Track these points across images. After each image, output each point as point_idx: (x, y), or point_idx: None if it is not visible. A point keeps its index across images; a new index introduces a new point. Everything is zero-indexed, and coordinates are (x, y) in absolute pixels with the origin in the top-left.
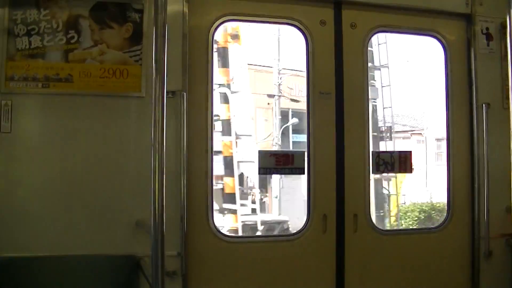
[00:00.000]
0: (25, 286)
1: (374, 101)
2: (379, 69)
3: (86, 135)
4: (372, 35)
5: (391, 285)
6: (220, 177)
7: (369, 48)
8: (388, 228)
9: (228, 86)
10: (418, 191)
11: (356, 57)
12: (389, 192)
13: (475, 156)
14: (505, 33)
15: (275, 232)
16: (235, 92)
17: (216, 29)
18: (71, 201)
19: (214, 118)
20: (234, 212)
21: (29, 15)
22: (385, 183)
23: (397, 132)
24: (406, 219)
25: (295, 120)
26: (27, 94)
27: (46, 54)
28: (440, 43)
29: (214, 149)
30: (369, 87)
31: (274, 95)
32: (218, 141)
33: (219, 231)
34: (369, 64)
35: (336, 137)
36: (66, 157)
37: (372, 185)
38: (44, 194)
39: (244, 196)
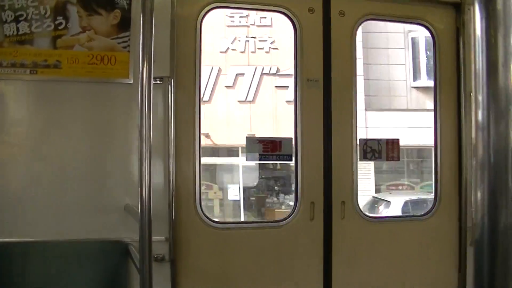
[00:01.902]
0: (15, 271)
1: None
2: None
3: (75, 121)
4: (361, 23)
5: (379, 272)
6: None
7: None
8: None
9: None
10: None
11: (344, 45)
12: None
13: (463, 145)
14: None
15: None
16: None
17: (204, 16)
18: (60, 187)
19: None
20: None
21: (16, 1)
22: None
23: None
24: None
25: None
26: (15, 80)
27: (34, 40)
28: (429, 31)
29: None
30: None
31: None
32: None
33: (207, 217)
34: None
35: (323, 124)
36: (54, 143)
37: None
38: (32, 181)
39: None
